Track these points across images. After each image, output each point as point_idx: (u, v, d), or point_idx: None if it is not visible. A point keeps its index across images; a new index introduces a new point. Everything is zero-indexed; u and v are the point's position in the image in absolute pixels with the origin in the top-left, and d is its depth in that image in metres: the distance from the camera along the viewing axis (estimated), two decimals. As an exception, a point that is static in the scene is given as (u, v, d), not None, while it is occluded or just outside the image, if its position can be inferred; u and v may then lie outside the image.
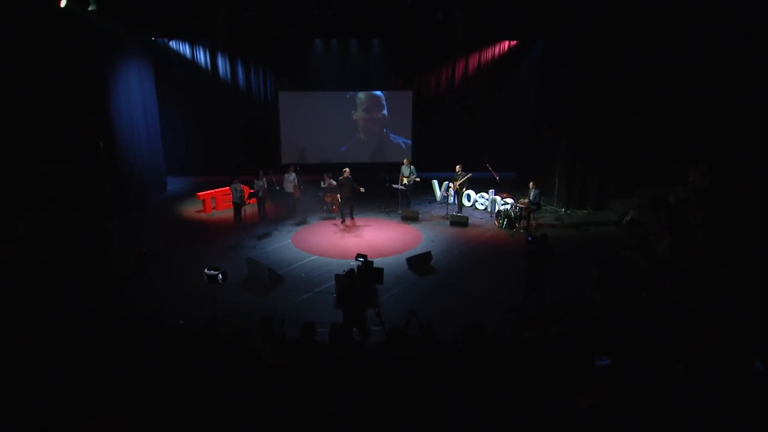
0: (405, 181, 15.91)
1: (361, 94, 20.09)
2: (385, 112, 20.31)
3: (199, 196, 16.38)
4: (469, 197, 16.56)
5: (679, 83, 13.66)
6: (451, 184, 15.89)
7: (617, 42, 14.25)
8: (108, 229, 13.35)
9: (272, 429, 3.95)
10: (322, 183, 15.78)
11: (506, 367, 5.02)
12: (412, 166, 16.12)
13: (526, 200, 14.29)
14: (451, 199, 16.02)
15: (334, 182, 15.40)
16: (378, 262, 10.14)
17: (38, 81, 12.64)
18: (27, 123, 12.62)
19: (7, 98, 12.16)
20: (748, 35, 12.09)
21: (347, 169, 14.73)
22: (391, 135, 20.50)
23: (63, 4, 11.96)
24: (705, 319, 6.80)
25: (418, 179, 16.12)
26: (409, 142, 20.48)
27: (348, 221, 14.95)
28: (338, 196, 14.79)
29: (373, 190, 15.74)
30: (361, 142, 20.44)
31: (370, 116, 20.29)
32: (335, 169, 15.83)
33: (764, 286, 8.47)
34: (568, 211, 16.10)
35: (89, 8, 12.49)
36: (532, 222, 14.49)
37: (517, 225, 14.37)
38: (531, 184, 14.34)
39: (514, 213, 14.44)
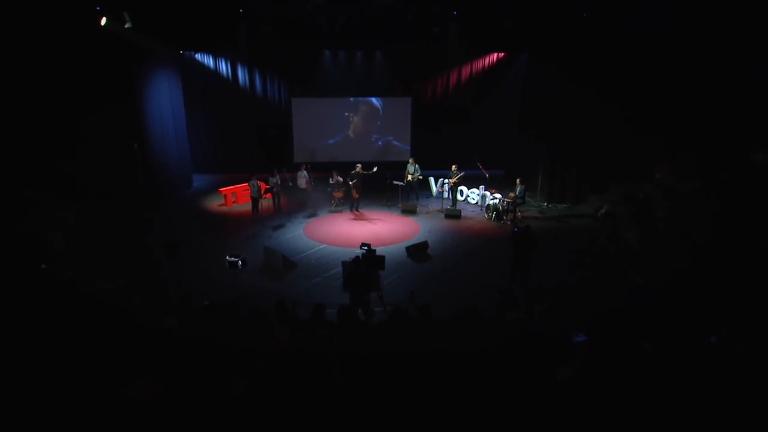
0: (409, 177, 15.93)
1: (362, 104, 20.02)
2: (379, 122, 20.24)
3: (221, 191, 16.43)
4: (462, 192, 16.57)
5: (646, 95, 13.57)
6: (447, 181, 15.88)
7: (592, 56, 14.19)
8: (142, 220, 13.39)
9: (286, 398, 4.02)
10: (330, 180, 15.81)
11: (494, 343, 5.07)
12: (416, 165, 16.14)
13: (513, 195, 14.32)
14: (445, 194, 16.02)
15: (341, 179, 15.48)
16: (380, 251, 10.15)
17: (78, 90, 12.62)
18: (69, 128, 12.60)
19: (53, 105, 12.16)
20: (708, 45, 11.91)
21: (360, 165, 15.17)
22: (374, 135, 20.29)
23: (103, 22, 11.99)
24: (668, 300, 6.85)
25: (420, 177, 16.15)
26: (401, 145, 20.35)
27: (355, 213, 15.16)
28: (351, 183, 15.03)
29: (376, 187, 15.84)
30: (349, 138, 20.32)
31: (366, 122, 20.20)
32: (340, 168, 15.93)
33: (719, 271, 8.52)
34: (549, 205, 16.09)
35: (126, 26, 12.53)
36: (518, 215, 14.50)
37: (504, 217, 14.40)
38: (517, 180, 14.36)
39: (502, 207, 14.47)
